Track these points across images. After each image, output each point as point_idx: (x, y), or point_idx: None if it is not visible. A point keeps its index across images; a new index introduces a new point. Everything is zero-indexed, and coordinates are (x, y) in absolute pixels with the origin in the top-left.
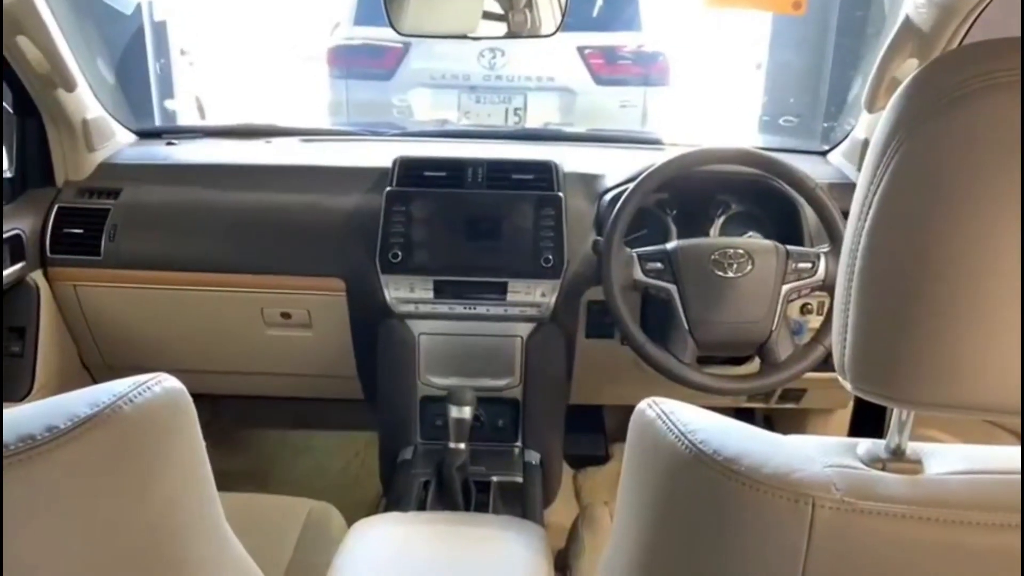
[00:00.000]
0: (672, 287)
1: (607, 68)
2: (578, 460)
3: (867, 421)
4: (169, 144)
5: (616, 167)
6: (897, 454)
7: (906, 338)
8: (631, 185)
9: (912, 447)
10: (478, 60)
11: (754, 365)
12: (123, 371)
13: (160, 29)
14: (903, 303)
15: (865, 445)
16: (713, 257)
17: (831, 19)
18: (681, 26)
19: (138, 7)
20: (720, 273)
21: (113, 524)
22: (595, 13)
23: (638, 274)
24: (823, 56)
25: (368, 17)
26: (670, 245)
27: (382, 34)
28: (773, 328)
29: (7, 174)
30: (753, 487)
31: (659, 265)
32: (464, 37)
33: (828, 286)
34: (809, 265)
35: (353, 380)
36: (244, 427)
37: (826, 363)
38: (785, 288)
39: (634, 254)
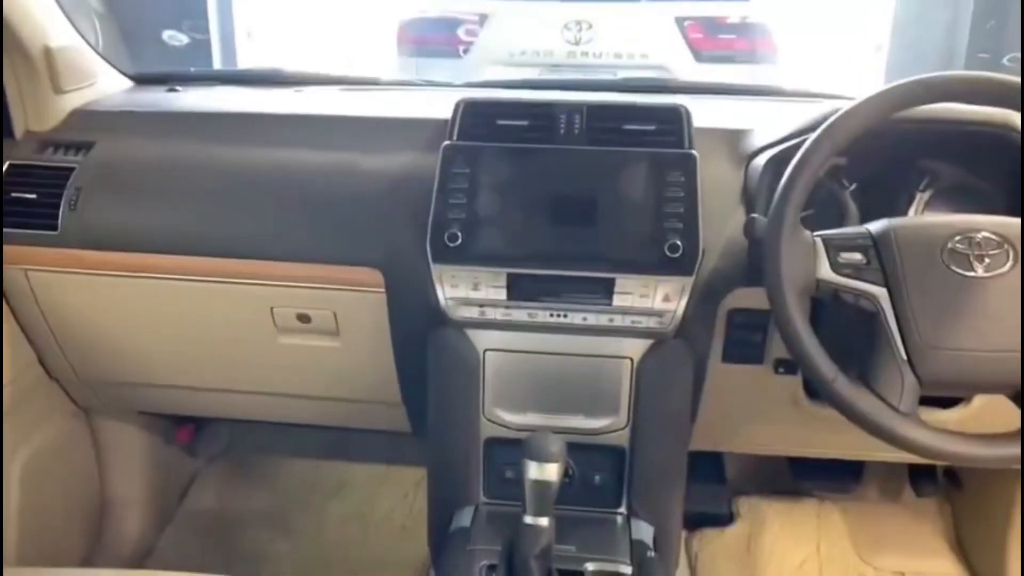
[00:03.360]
0: (881, 291)
1: (708, 42)
2: (691, 519)
3: None
4: (171, 91)
5: (769, 121)
6: None
7: None
8: (814, 135)
9: None
10: (562, 34)
11: (973, 410)
12: (101, 385)
13: None
14: None
15: None
16: (950, 246)
17: None
18: None
19: None
20: (961, 271)
21: None
22: None
23: (825, 271)
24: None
25: None
26: (876, 226)
27: (459, 5)
28: None
29: None
30: None
31: (859, 257)
32: None
33: None
34: None
35: (396, 408)
36: (267, 457)
37: None
38: None
39: (818, 240)
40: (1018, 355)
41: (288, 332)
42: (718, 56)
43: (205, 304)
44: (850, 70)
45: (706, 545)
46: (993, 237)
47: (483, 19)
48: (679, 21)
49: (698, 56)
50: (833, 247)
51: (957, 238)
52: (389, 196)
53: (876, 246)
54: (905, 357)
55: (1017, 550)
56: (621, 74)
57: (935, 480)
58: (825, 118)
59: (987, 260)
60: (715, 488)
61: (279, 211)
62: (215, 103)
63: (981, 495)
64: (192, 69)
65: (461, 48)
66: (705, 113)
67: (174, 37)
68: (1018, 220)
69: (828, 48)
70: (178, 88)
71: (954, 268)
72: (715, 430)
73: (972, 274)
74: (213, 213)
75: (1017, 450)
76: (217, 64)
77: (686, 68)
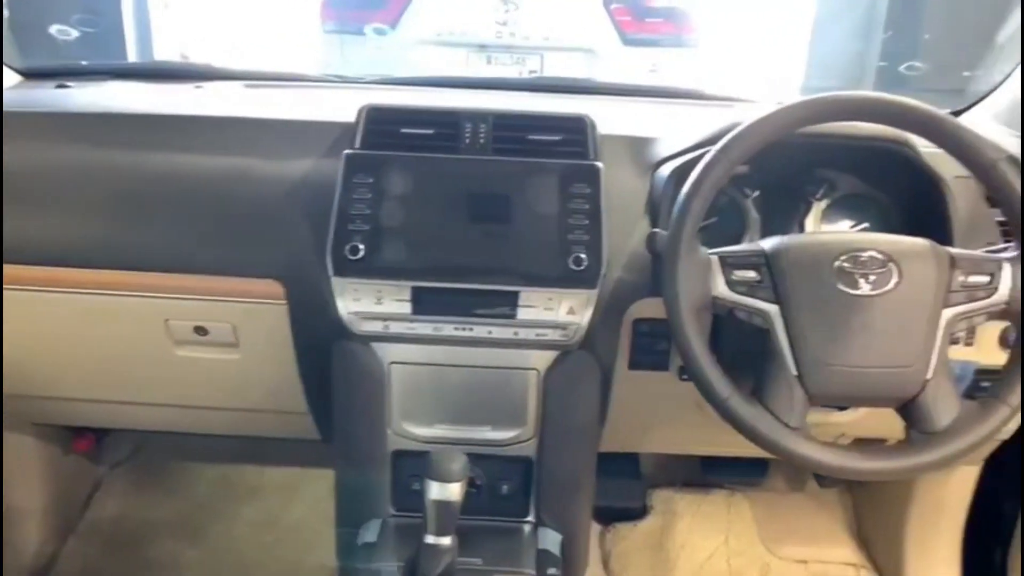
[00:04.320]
0: (773, 309)
1: (635, 25)
2: (606, 514)
3: (1002, 485)
4: (61, 87)
5: (676, 129)
6: None
7: None
8: (712, 150)
9: None
10: (490, 14)
11: (863, 413)
12: None
13: None
14: None
15: None
16: (837, 263)
17: None
18: None
19: None
20: (848, 289)
21: None
22: None
23: (720, 288)
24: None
25: None
26: (769, 243)
27: None
28: (929, 376)
29: None
30: None
31: (753, 275)
32: None
33: (1015, 311)
34: (986, 279)
35: (304, 417)
36: (176, 463)
37: None
38: (948, 314)
39: (714, 258)
40: (904, 370)
41: (185, 344)
42: (645, 40)
43: (97, 317)
44: (776, 55)
45: (620, 540)
46: (878, 256)
47: None
48: (606, 4)
49: (625, 39)
50: (728, 265)
51: (844, 257)
52: (289, 204)
53: (768, 264)
54: (796, 373)
55: (912, 539)
56: (548, 56)
57: None
58: (725, 132)
59: (873, 278)
60: (630, 483)
61: (172, 220)
62: (107, 101)
63: (880, 486)
64: (84, 63)
65: (389, 24)
66: (616, 118)
67: (63, 31)
68: (903, 238)
69: (755, 35)
70: (69, 84)
71: (841, 286)
72: (625, 433)
73: (858, 292)
74: (103, 223)
75: (896, 464)
76: (130, 39)
77: (613, 51)
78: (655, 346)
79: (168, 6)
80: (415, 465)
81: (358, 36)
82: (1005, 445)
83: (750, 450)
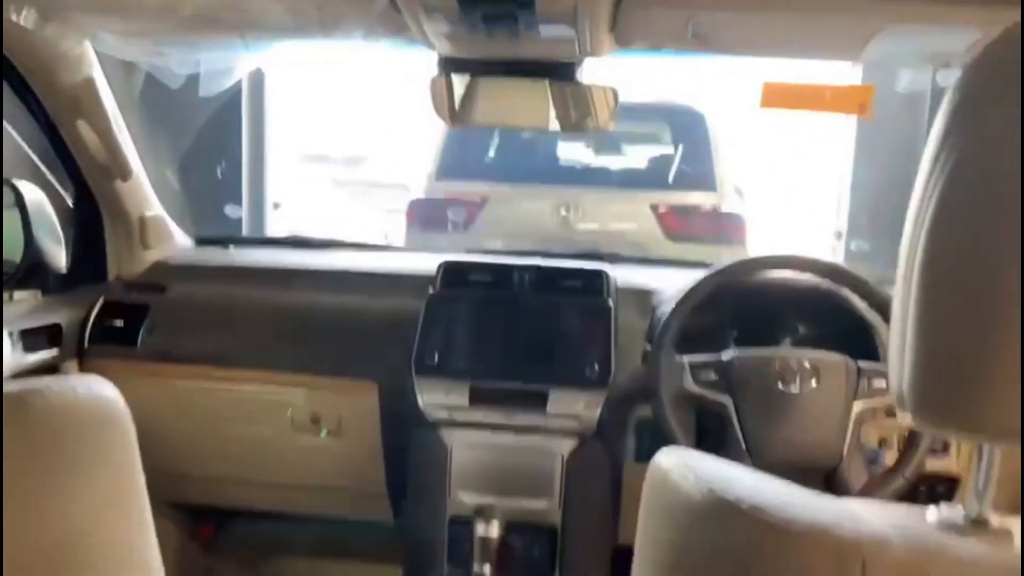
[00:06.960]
0: (727, 399)
1: (680, 226)
2: None
3: None
4: (225, 248)
5: (673, 284)
6: (980, 523)
7: (980, 356)
8: (677, 299)
9: (1000, 520)
10: (551, 215)
11: None
12: (147, 472)
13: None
14: (977, 318)
15: (937, 511)
16: (774, 370)
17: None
18: (757, 185)
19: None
20: (782, 387)
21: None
22: (671, 179)
23: (689, 383)
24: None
25: (449, 172)
26: (726, 355)
27: (463, 188)
28: (844, 452)
29: (61, 268)
30: (788, 539)
31: (713, 375)
32: (528, 129)
33: None
34: (885, 383)
35: (382, 498)
36: (271, 551)
37: (906, 497)
38: (857, 406)
39: (685, 362)
40: (825, 443)
41: (301, 431)
42: (689, 237)
43: (240, 406)
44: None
45: None
46: (805, 365)
47: (484, 200)
48: (653, 208)
49: (670, 236)
50: (695, 367)
51: (779, 364)
52: (385, 328)
53: (724, 368)
54: (745, 448)
55: None
56: (603, 249)
57: None
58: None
59: (799, 380)
60: None
61: (303, 337)
62: (258, 259)
63: None
64: (244, 235)
65: (463, 225)
66: (633, 276)
67: (234, 210)
68: (824, 353)
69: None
70: (230, 247)
71: (777, 385)
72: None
73: (788, 390)
74: (250, 338)
75: None
76: (245, 227)
77: (659, 245)
78: (655, 443)
79: (277, 207)
80: (465, 530)
81: (438, 233)
82: None
83: None
